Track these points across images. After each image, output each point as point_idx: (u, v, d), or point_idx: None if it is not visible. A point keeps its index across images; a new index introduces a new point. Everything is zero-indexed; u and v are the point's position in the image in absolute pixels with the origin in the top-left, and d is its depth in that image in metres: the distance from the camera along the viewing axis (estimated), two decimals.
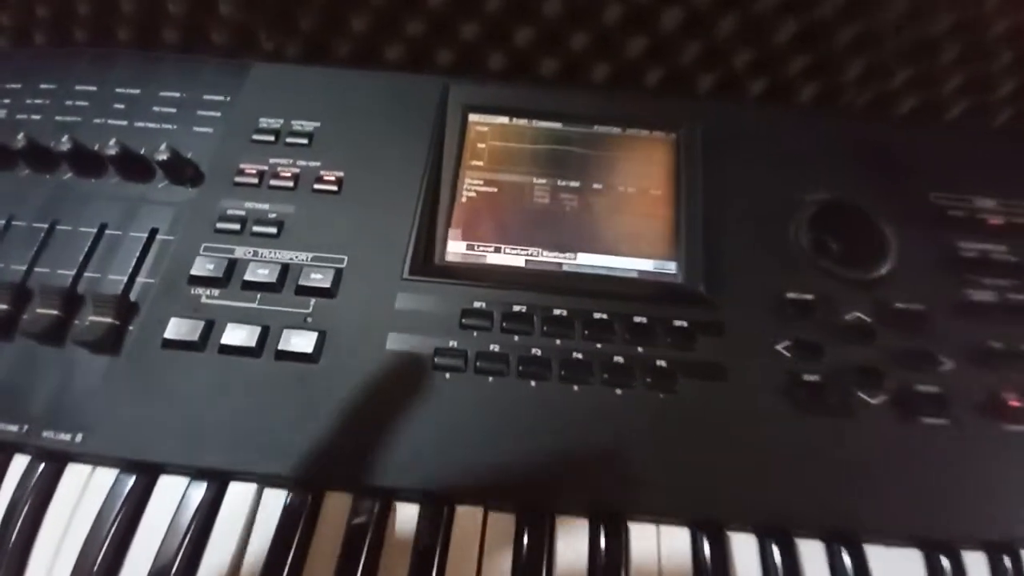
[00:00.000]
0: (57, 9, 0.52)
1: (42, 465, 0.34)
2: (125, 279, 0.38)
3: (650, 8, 0.46)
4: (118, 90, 0.46)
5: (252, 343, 0.35)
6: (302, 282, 0.37)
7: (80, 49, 0.50)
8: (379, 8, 0.49)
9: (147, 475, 0.33)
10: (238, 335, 0.35)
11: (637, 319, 0.36)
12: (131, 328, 0.36)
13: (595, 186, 0.43)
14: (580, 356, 0.35)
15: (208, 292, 0.37)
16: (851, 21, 0.46)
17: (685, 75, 0.50)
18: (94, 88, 0.46)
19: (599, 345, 0.35)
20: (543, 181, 0.43)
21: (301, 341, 0.35)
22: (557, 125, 0.45)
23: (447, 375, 0.35)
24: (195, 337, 0.35)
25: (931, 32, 0.46)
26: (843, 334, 0.36)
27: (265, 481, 0.33)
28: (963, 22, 0.45)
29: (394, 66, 0.51)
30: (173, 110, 0.44)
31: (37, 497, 0.33)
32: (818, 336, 0.36)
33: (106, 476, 0.34)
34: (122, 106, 0.45)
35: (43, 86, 0.46)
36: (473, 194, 0.43)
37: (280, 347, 0.35)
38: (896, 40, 0.46)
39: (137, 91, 0.45)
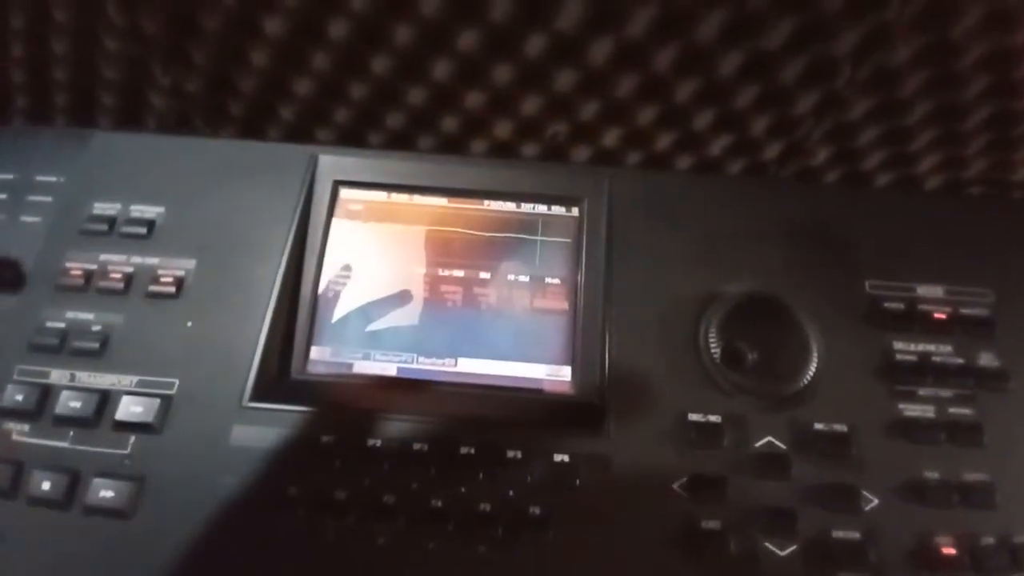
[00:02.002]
0: None
1: None
2: None
3: (600, 70, 0.41)
4: None
5: (59, 495, 0.30)
6: (120, 416, 0.31)
7: None
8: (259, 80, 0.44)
9: None
10: (43, 484, 0.30)
11: (511, 454, 0.31)
12: None
13: (482, 275, 0.37)
14: (439, 504, 0.30)
15: (18, 428, 0.32)
16: (815, 83, 0.41)
17: (638, 133, 0.45)
18: None
19: (463, 489, 0.30)
20: (421, 271, 0.37)
21: (111, 493, 0.30)
22: (442, 201, 0.39)
23: (285, 527, 0.30)
24: (5, 485, 0.30)
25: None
26: (752, 466, 0.31)
27: None
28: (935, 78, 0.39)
29: (301, 116, 0.46)
30: (3, 196, 0.39)
31: None
32: (722, 469, 0.31)
33: None
34: None
35: None
36: (340, 288, 0.37)
37: (88, 501, 0.30)
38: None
39: None
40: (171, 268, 0.35)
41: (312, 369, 0.35)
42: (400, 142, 0.47)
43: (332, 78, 0.45)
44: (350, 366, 0.35)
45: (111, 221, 0.37)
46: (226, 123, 0.49)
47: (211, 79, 0.48)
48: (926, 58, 0.39)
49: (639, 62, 0.41)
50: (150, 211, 0.37)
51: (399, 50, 0.41)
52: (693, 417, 0.32)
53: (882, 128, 0.46)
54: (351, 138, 0.47)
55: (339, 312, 0.36)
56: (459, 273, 0.37)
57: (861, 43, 0.39)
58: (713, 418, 0.32)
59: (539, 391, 0.35)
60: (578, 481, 0.30)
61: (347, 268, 0.37)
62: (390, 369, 0.35)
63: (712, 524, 0.29)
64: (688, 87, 0.43)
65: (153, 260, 0.36)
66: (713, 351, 0.33)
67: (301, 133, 0.49)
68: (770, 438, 0.31)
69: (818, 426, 0.31)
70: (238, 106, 0.50)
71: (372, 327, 0.36)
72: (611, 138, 0.48)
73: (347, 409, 0.33)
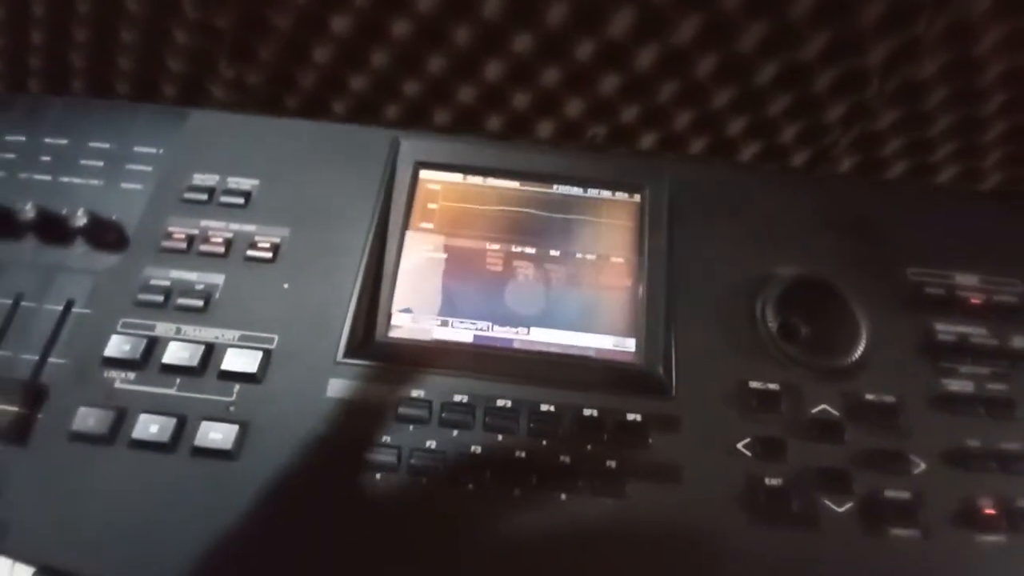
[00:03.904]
0: (12, 51, 0.49)
1: None
2: (37, 359, 0.35)
3: (645, 77, 0.44)
4: (47, 140, 0.42)
5: (166, 438, 0.32)
6: (226, 366, 0.34)
7: (20, 96, 0.48)
8: (331, 54, 0.47)
9: None
10: (150, 428, 0.32)
11: (587, 412, 0.33)
12: (40, 416, 0.33)
13: (552, 253, 0.40)
14: (523, 455, 0.32)
15: (123, 376, 0.34)
16: (844, 94, 0.44)
17: (674, 137, 0.48)
18: (23, 138, 0.42)
19: (544, 442, 0.33)
20: (496, 247, 0.40)
21: (219, 436, 0.32)
22: (514, 184, 0.42)
23: (378, 475, 0.32)
24: (104, 430, 0.32)
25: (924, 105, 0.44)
26: (809, 430, 0.33)
27: None
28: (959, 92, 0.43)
29: (341, 118, 0.49)
30: (100, 163, 0.41)
31: None
32: (782, 432, 0.33)
33: (25, 573, 0.32)
34: (48, 159, 0.41)
35: None
36: (421, 261, 0.40)
37: (197, 443, 0.32)
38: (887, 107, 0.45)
39: (65, 142, 0.42)
40: (267, 235, 0.38)
41: (394, 334, 0.37)
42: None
43: (386, 75, 0.48)
44: (429, 332, 0.38)
45: (210, 191, 0.39)
46: (280, 115, 0.52)
47: (273, 73, 0.50)
48: (950, 73, 0.42)
49: (681, 69, 0.44)
50: (246, 183, 0.40)
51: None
52: (753, 385, 0.34)
53: (906, 139, 0.49)
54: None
55: (418, 282, 0.39)
56: (530, 250, 0.40)
57: (890, 57, 0.42)
58: (772, 386, 0.34)
59: (606, 360, 0.37)
60: (650, 439, 0.33)
61: (426, 242, 0.40)
62: (467, 336, 0.38)
63: (775, 481, 0.32)
64: (724, 94, 0.46)
65: (250, 227, 0.38)
66: (770, 325, 0.36)
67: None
68: (824, 406, 0.34)
69: (869, 396, 0.34)
70: (294, 99, 0.53)
71: (449, 297, 0.39)
72: (649, 140, 0.51)
73: (431, 369, 0.35)
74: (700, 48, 0.43)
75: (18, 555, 0.32)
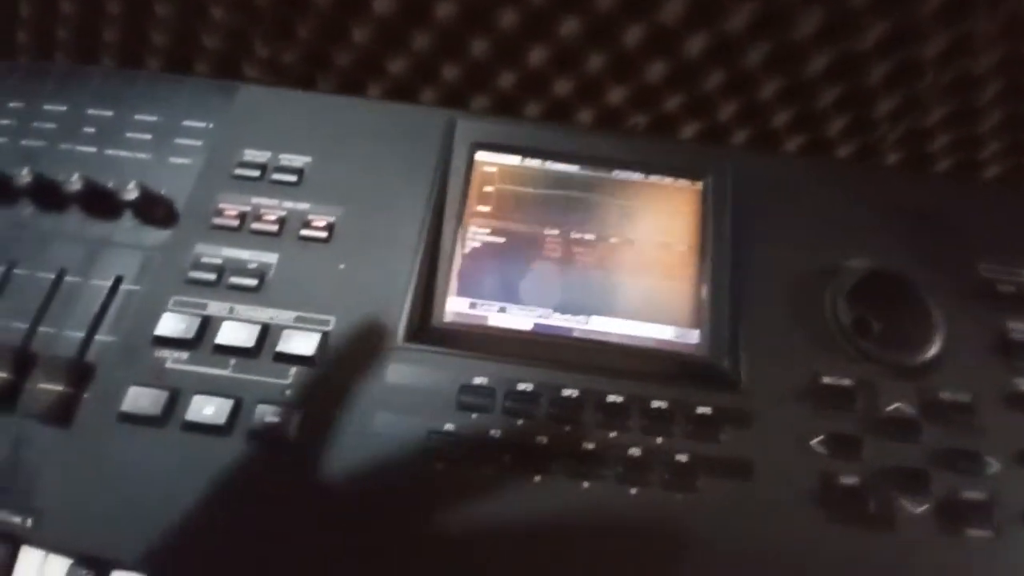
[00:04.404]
0: (39, 21, 0.48)
1: None
2: (83, 336, 0.34)
3: (693, 65, 0.43)
4: (90, 111, 0.41)
5: (222, 420, 0.31)
6: (282, 348, 0.33)
7: (54, 64, 0.46)
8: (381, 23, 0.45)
9: (100, 570, 0.29)
10: (206, 410, 0.31)
11: (656, 404, 0.32)
12: (86, 396, 0.32)
13: (612, 239, 0.39)
14: (592, 447, 0.31)
15: (175, 356, 0.33)
16: (897, 86, 0.43)
17: (718, 128, 0.47)
18: (64, 108, 0.41)
19: (613, 434, 0.32)
20: (555, 232, 0.39)
21: (276, 419, 0.31)
22: (573, 168, 0.40)
23: (440, 465, 0.31)
24: (157, 411, 0.31)
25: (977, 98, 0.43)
26: (884, 428, 0.32)
27: None
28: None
29: (391, 94, 0.48)
30: (148, 136, 0.40)
31: None
32: (857, 430, 0.32)
33: (59, 565, 0.30)
34: (92, 130, 0.40)
35: (11, 104, 0.42)
36: (478, 244, 0.38)
37: (252, 425, 0.31)
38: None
39: (110, 113, 0.41)
40: (321, 214, 0.37)
41: (450, 319, 0.36)
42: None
43: (426, 59, 0.47)
44: (485, 318, 0.37)
45: (262, 168, 0.38)
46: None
47: (308, 53, 0.49)
48: (1004, 68, 0.41)
49: (730, 57, 0.43)
50: (298, 160, 0.38)
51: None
52: (826, 380, 0.33)
53: (954, 135, 0.48)
54: None
55: (475, 267, 0.38)
56: (590, 236, 0.39)
57: (947, 49, 0.41)
58: (846, 382, 0.33)
59: (669, 350, 0.36)
60: (721, 434, 0.32)
61: (483, 226, 0.39)
62: (527, 323, 0.36)
63: (851, 480, 0.31)
64: (773, 84, 0.45)
65: (304, 205, 0.37)
66: (842, 319, 0.35)
67: None
68: (900, 404, 0.33)
69: (944, 395, 0.33)
70: (328, 81, 0.51)
71: (507, 283, 0.37)
72: (690, 131, 0.50)
73: (491, 356, 0.34)
74: (752, 36, 0.42)
75: (56, 545, 0.30)
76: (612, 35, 0.43)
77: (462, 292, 0.37)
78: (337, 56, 0.48)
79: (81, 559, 0.30)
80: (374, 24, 0.45)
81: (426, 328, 0.35)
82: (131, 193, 0.35)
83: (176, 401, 0.32)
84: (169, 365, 0.33)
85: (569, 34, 0.43)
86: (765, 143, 0.50)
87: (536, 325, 0.37)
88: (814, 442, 0.32)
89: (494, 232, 0.39)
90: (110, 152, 0.39)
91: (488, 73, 0.47)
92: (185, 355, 0.33)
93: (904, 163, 0.51)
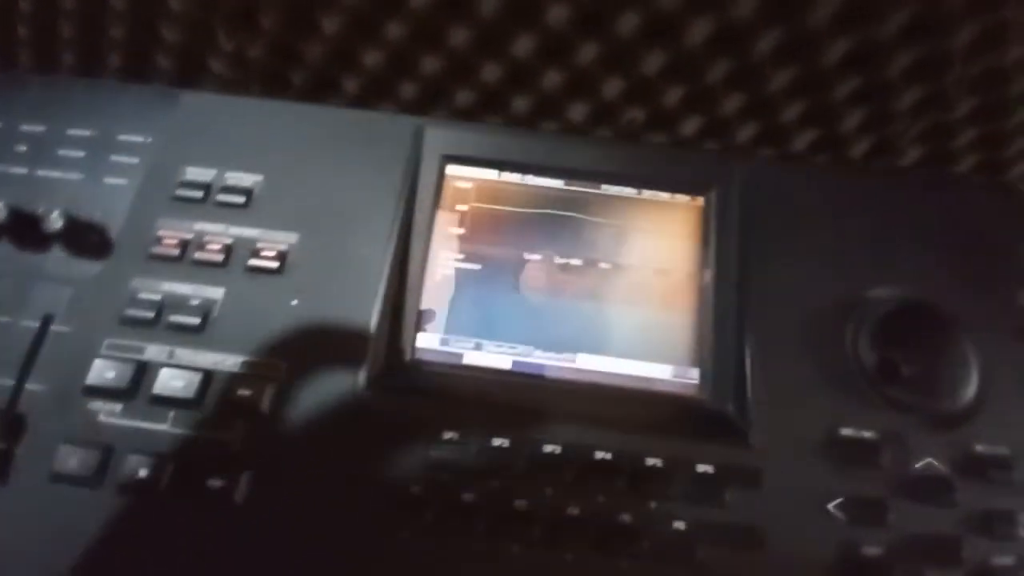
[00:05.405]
0: None
1: None
2: (12, 385, 0.30)
3: (695, 55, 0.38)
4: (23, 127, 0.36)
5: (162, 484, 0.27)
6: (227, 399, 0.29)
7: None
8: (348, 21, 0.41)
9: None
10: (142, 472, 0.27)
11: (650, 462, 0.28)
12: (18, 452, 0.29)
13: (601, 265, 0.34)
14: (576, 512, 0.27)
15: (107, 408, 0.29)
16: (920, 79, 0.38)
17: (721, 122, 0.42)
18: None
19: (600, 498, 0.28)
20: (537, 257, 0.34)
21: (222, 482, 0.27)
22: (557, 183, 0.36)
23: (406, 532, 0.27)
24: (88, 472, 0.28)
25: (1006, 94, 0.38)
26: (912, 489, 0.28)
27: None
28: None
29: (353, 97, 0.44)
30: (81, 154, 0.35)
31: None
32: (880, 491, 0.28)
33: None
34: (24, 148, 0.36)
35: None
36: (450, 272, 0.34)
37: (197, 490, 0.27)
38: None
39: (43, 128, 0.36)
40: (272, 241, 0.33)
41: (421, 357, 0.32)
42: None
43: (403, 50, 0.42)
44: (460, 356, 0.33)
45: (206, 188, 0.34)
46: (285, 92, 0.46)
47: (275, 46, 0.45)
48: None
49: (736, 46, 0.38)
50: (247, 179, 0.34)
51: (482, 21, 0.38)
52: (846, 432, 0.29)
53: (980, 131, 0.43)
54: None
55: (447, 298, 0.34)
56: (576, 262, 0.34)
57: (976, 40, 0.36)
58: (868, 434, 0.29)
59: (666, 392, 0.32)
60: (726, 496, 0.28)
61: (455, 251, 0.34)
62: (504, 362, 0.32)
63: (874, 551, 0.27)
64: (784, 76, 0.40)
65: (253, 232, 0.33)
66: (865, 360, 0.30)
67: (363, 106, 0.46)
68: (930, 459, 0.29)
69: (979, 448, 0.29)
70: (300, 76, 0.47)
71: (483, 316, 0.33)
72: (691, 126, 0.45)
73: (465, 402, 0.30)
74: (761, 23, 0.37)
75: None
76: (605, 22, 0.39)
77: (432, 327, 0.33)
78: (306, 48, 0.44)
79: None
80: (345, 13, 0.41)
81: (392, 369, 0.31)
82: (55, 223, 0.31)
83: (109, 461, 0.28)
84: (102, 419, 0.29)
85: (558, 21, 0.39)
86: (772, 139, 0.45)
87: (515, 363, 0.32)
88: (832, 506, 0.28)
89: (468, 258, 0.34)
90: (40, 173, 0.35)
91: (470, 65, 0.42)
92: (118, 407, 0.29)
93: (922, 160, 0.46)
